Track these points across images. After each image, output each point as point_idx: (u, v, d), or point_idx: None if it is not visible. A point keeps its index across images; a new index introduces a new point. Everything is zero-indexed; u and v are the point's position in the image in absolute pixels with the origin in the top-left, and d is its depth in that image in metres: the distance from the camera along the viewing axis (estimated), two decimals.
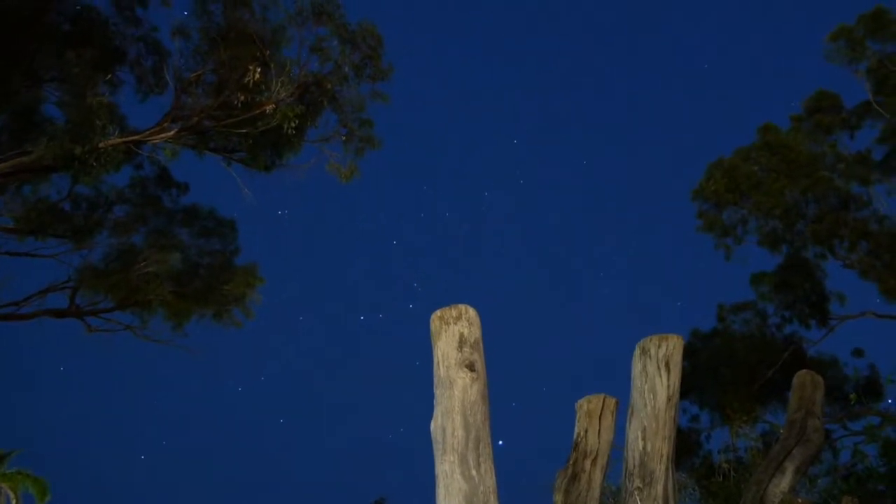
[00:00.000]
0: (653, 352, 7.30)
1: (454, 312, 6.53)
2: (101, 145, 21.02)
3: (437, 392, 6.37)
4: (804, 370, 9.01)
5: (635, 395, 7.30)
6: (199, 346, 26.29)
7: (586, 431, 7.87)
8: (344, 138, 24.73)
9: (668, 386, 7.20)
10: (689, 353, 24.46)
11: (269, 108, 22.49)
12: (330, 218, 66.08)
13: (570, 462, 7.84)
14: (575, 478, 7.74)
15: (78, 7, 22.56)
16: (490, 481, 6.09)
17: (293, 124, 22.62)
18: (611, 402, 7.95)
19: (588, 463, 7.73)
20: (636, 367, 7.39)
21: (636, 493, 7.14)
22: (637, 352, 7.43)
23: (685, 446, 25.13)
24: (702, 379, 25.98)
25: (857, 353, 26.65)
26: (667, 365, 7.25)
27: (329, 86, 24.07)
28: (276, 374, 64.08)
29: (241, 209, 28.64)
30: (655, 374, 7.23)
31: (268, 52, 22.98)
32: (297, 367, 63.67)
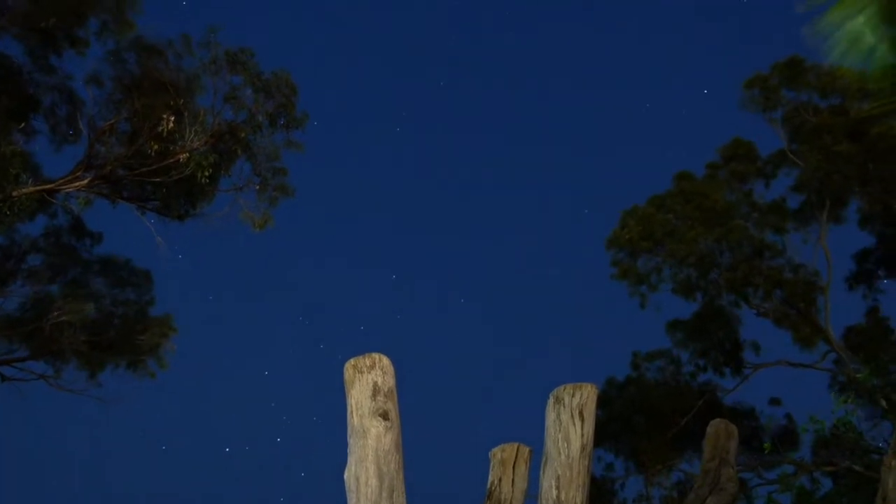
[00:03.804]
0: (567, 400, 7.28)
1: (368, 361, 6.50)
2: (14, 194, 20.85)
3: (351, 441, 6.33)
4: (718, 419, 9.04)
5: (549, 444, 7.27)
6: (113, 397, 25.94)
7: (500, 480, 7.83)
8: (258, 187, 24.70)
9: (583, 435, 7.17)
10: (603, 401, 24.64)
11: (182, 156, 22.39)
12: (197, 346, 65.19)
13: None
14: None
15: None
16: None
17: (207, 173, 22.58)
18: (525, 450, 7.91)
19: None
20: (550, 415, 7.36)
21: None
22: (551, 401, 7.40)
23: (599, 495, 25.26)
24: (616, 427, 26.16)
25: (775, 401, 27.04)
26: (581, 414, 7.23)
27: (243, 134, 24.02)
28: None
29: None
30: (569, 422, 7.20)
31: (182, 100, 22.89)
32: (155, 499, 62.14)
